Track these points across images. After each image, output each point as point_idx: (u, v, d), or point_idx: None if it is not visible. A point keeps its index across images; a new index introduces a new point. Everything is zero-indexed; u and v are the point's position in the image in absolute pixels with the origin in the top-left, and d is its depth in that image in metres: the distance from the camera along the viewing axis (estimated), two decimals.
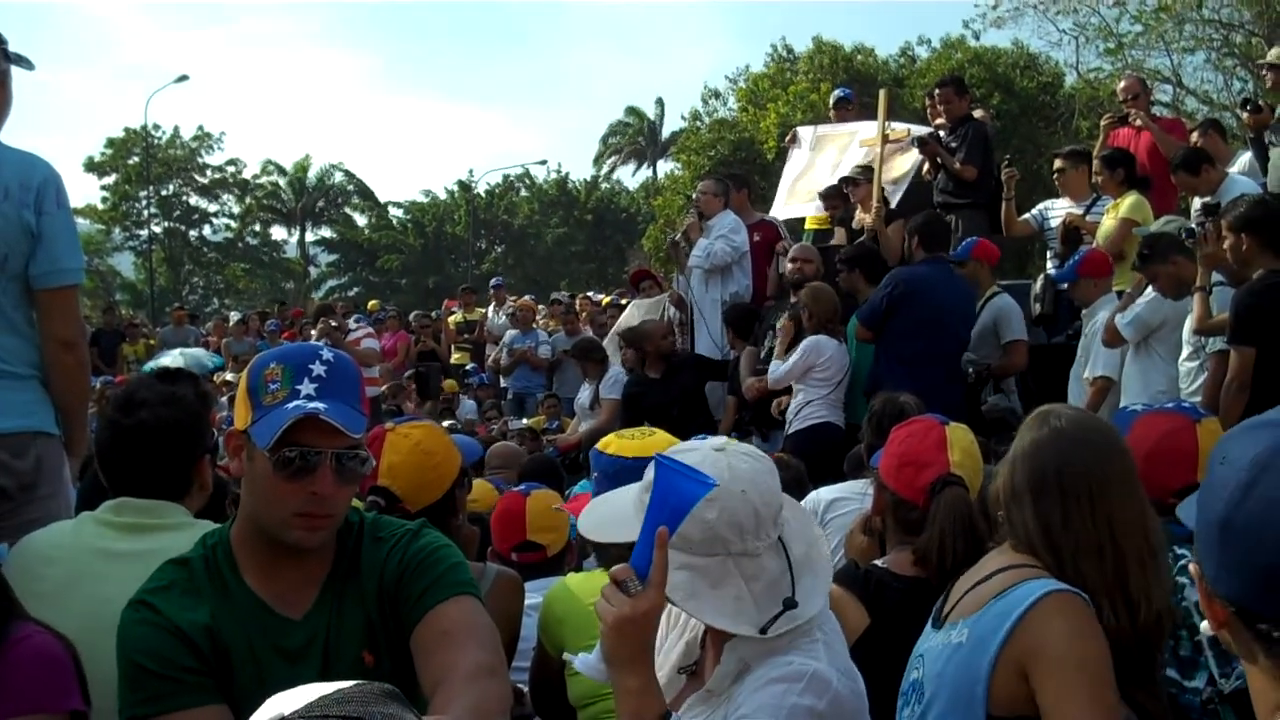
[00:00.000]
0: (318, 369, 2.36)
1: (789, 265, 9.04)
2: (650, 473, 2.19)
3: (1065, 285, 7.86)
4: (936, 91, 10.27)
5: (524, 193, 60.35)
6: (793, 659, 2.24)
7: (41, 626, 2.45)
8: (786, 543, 2.32)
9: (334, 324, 13.26)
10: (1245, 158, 9.79)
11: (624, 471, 3.12)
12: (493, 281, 17.92)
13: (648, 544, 2.11)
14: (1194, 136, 9.72)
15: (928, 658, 2.56)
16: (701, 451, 2.30)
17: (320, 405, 2.29)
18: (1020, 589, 2.41)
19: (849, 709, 2.27)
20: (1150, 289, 6.84)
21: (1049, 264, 9.57)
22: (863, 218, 10.01)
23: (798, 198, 11.26)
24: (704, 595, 2.23)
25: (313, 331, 16.08)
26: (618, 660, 2.16)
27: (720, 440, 2.38)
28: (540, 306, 17.07)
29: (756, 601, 2.24)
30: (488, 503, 4.88)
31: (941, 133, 10.00)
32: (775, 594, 2.26)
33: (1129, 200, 8.34)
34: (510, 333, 14.66)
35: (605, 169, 61.17)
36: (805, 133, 12.01)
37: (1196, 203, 8.55)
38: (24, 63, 4.01)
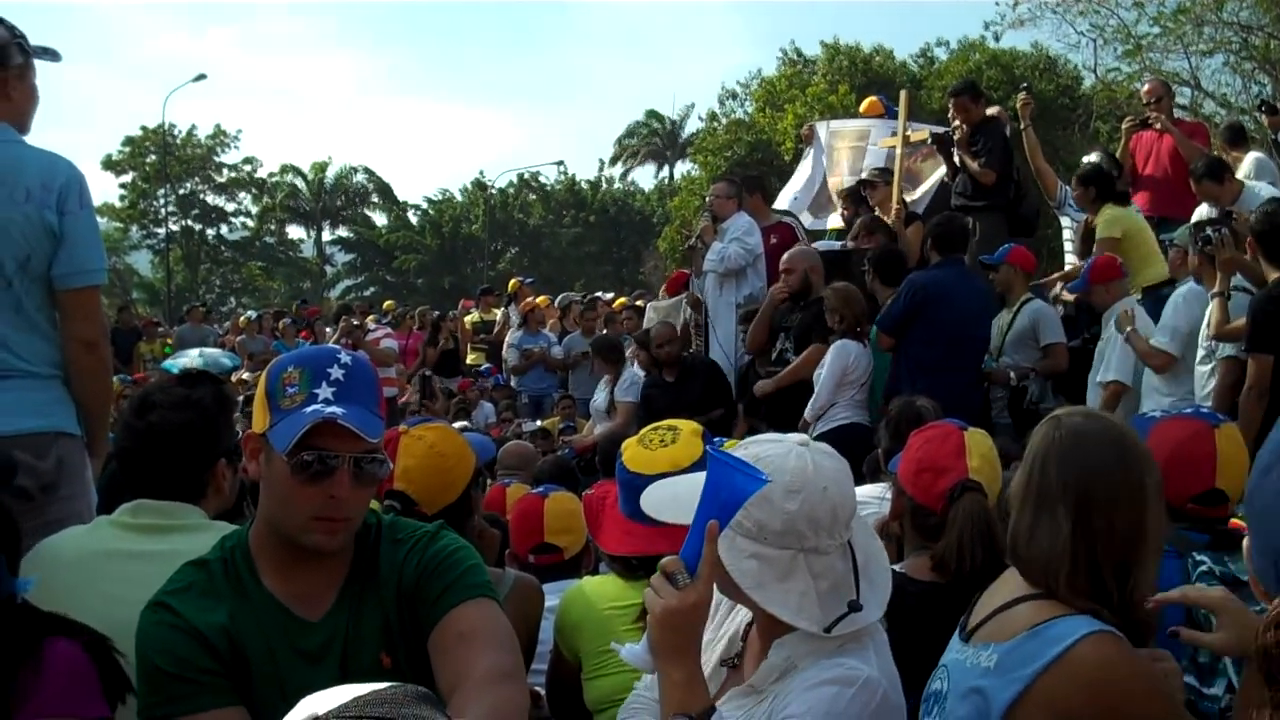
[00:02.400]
0: (335, 373, 2.37)
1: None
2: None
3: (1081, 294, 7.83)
4: (952, 100, 10.26)
5: (533, 196, 60.40)
6: (845, 661, 2.25)
7: (68, 632, 2.45)
8: (853, 548, 2.34)
9: (355, 323, 13.27)
10: (1250, 158, 9.76)
11: (626, 485, 3.13)
12: (526, 279, 17.85)
13: (698, 537, 2.12)
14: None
15: (952, 670, 2.52)
16: (786, 444, 2.32)
17: (338, 410, 2.30)
18: (1056, 627, 2.33)
19: (892, 716, 2.28)
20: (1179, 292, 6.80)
21: (1067, 263, 9.58)
22: (880, 219, 10.00)
23: (834, 208, 11.27)
24: (770, 586, 2.25)
25: (328, 329, 16.14)
26: (664, 652, 2.17)
27: (804, 436, 2.39)
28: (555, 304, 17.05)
29: (820, 600, 2.26)
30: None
31: (955, 134, 10.01)
32: (838, 595, 2.28)
33: (1104, 217, 8.36)
34: (516, 333, 14.65)
35: (621, 170, 61.19)
36: (821, 128, 12.03)
37: (1201, 209, 8.53)
38: (49, 55, 4.03)
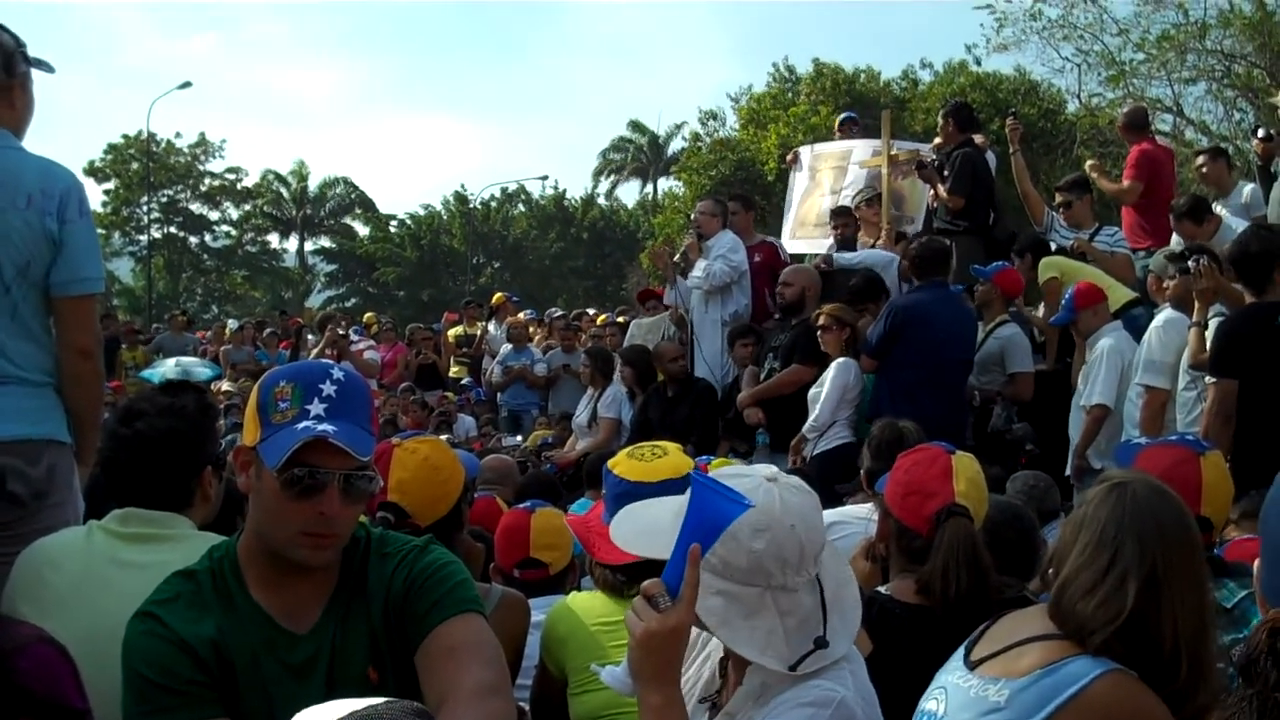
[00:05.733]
0: (328, 389, 2.37)
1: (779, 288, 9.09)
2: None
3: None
4: (941, 119, 10.36)
5: (521, 208, 60.48)
6: (820, 684, 2.24)
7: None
8: (822, 581, 2.33)
9: (341, 331, 13.22)
10: (1248, 189, 9.82)
11: (625, 495, 3.12)
12: (511, 296, 17.83)
13: (681, 561, 2.12)
14: (1200, 160, 9.84)
15: (951, 694, 2.51)
16: (753, 479, 2.29)
17: (329, 427, 2.30)
18: (1071, 666, 2.35)
19: None
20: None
21: None
22: (866, 240, 10.06)
23: (807, 230, 11.28)
24: (737, 624, 2.23)
25: (310, 337, 16.07)
26: (643, 675, 2.16)
27: (771, 469, 2.37)
28: (543, 320, 17.05)
29: (788, 637, 2.24)
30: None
31: (932, 155, 10.13)
32: (806, 631, 2.26)
33: (1040, 266, 8.60)
34: (504, 349, 14.66)
35: (606, 185, 61.30)
36: (804, 152, 12.07)
37: (1174, 240, 8.62)
38: (43, 66, 4.04)
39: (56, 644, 2.43)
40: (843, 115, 13.08)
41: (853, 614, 2.40)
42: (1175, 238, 8.68)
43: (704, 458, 4.64)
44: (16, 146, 3.85)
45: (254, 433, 2.38)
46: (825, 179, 11.41)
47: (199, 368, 15.73)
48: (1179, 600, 2.36)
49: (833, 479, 6.47)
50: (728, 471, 2.38)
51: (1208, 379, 6.17)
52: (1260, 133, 10.36)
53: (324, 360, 4.59)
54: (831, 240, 10.28)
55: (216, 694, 2.35)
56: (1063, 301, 7.75)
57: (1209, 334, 6.37)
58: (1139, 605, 2.35)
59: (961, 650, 2.62)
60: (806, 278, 9.00)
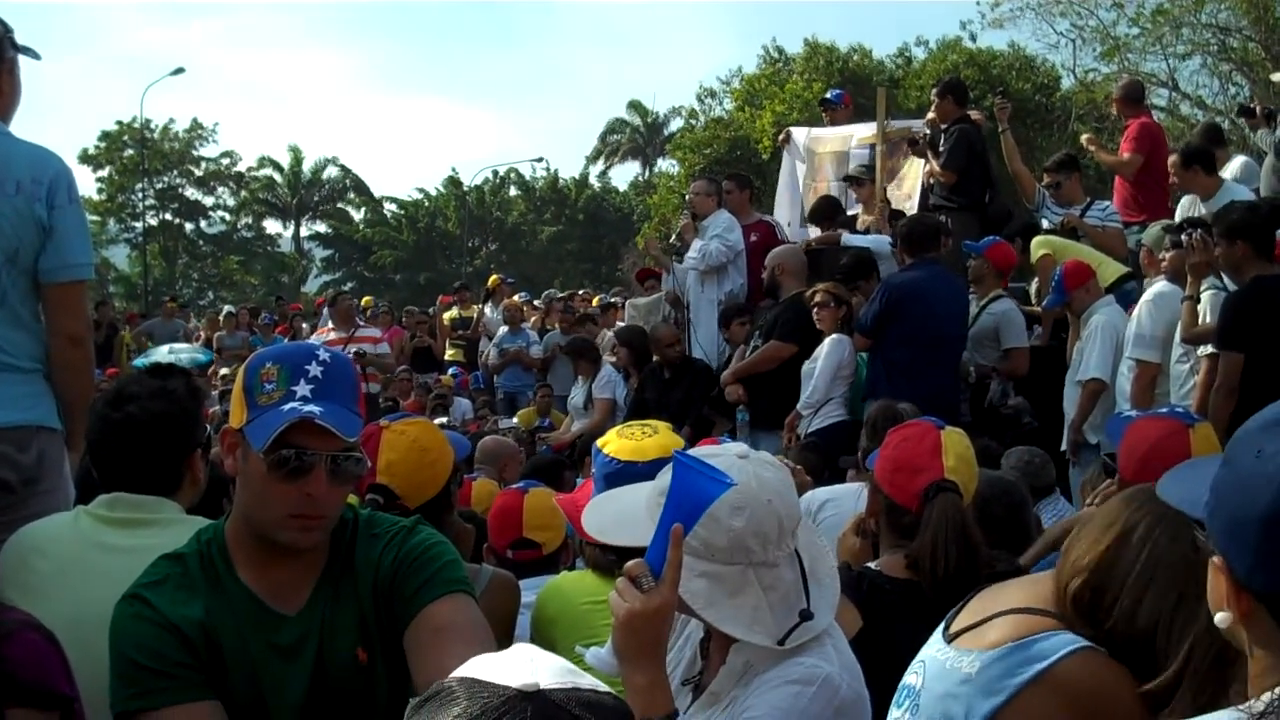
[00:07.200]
0: (314, 370, 2.35)
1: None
2: (667, 471, 2.18)
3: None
4: (935, 98, 10.32)
5: (514, 191, 60.44)
6: (805, 660, 2.25)
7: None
8: (800, 554, 2.33)
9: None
10: (1238, 162, 9.81)
11: (616, 475, 3.12)
12: (506, 279, 17.81)
13: (663, 541, 2.11)
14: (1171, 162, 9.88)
15: (929, 666, 2.50)
16: (725, 458, 2.28)
17: (315, 408, 2.28)
18: (1043, 642, 2.28)
19: (854, 710, 2.29)
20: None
21: None
22: (865, 218, 10.03)
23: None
24: (722, 604, 2.23)
25: (305, 325, 16.02)
26: (627, 655, 2.15)
27: (743, 447, 2.37)
28: (536, 304, 17.06)
29: (773, 612, 2.25)
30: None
31: (927, 129, 10.10)
32: (789, 605, 2.27)
33: (1032, 245, 8.63)
34: (501, 331, 14.66)
35: (602, 166, 61.21)
36: (799, 134, 12.00)
37: (1184, 203, 8.60)
38: (30, 52, 4.03)
39: (44, 630, 2.42)
40: (826, 96, 12.98)
41: (830, 584, 2.41)
42: (1179, 205, 8.66)
43: (724, 436, 4.62)
44: (4, 132, 3.85)
45: (240, 415, 2.37)
46: (827, 165, 11.35)
47: (190, 354, 15.74)
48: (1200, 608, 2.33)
49: (829, 455, 6.48)
50: (699, 452, 2.37)
51: (1201, 350, 6.17)
52: (1243, 111, 10.39)
53: (310, 341, 4.58)
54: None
55: (204, 676, 2.34)
56: (1052, 283, 7.74)
57: (1201, 307, 6.37)
58: (1107, 560, 2.32)
59: (943, 623, 2.61)
60: (778, 258, 8.94)
